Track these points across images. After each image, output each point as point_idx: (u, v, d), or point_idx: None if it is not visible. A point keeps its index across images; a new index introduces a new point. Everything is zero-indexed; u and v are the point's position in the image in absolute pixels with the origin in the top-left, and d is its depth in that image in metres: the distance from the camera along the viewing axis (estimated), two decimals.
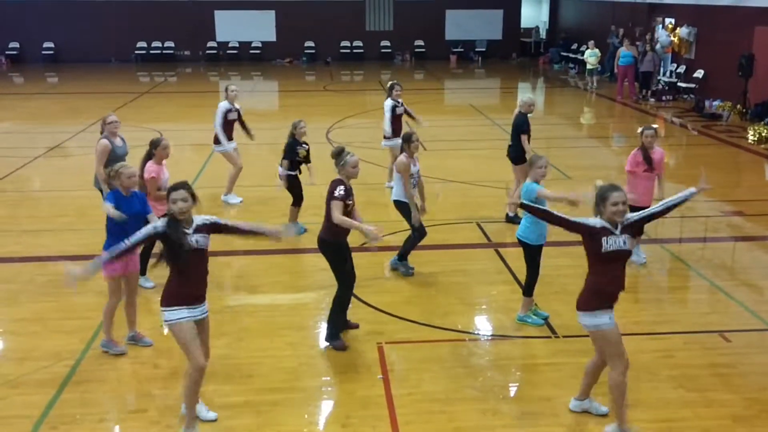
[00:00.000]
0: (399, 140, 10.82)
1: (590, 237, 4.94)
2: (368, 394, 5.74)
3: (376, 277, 8.02)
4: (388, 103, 10.97)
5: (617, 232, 4.94)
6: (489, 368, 6.18)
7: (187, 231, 4.94)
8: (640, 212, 5.17)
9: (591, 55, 22.58)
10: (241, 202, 10.64)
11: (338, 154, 6.35)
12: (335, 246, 6.36)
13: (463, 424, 5.34)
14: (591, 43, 23.19)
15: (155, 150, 7.51)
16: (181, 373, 5.91)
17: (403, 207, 7.81)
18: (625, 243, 4.94)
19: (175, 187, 4.95)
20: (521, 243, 6.71)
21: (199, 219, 5.04)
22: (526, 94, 10.24)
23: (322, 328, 6.84)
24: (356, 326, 6.74)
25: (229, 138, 10.58)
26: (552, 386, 5.75)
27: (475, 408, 5.54)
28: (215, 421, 5.35)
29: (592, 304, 4.99)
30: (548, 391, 5.70)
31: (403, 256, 8.00)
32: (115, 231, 6.00)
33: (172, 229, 4.88)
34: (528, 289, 6.83)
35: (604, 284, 4.98)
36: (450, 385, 5.84)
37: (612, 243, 4.90)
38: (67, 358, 6.26)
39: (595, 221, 4.98)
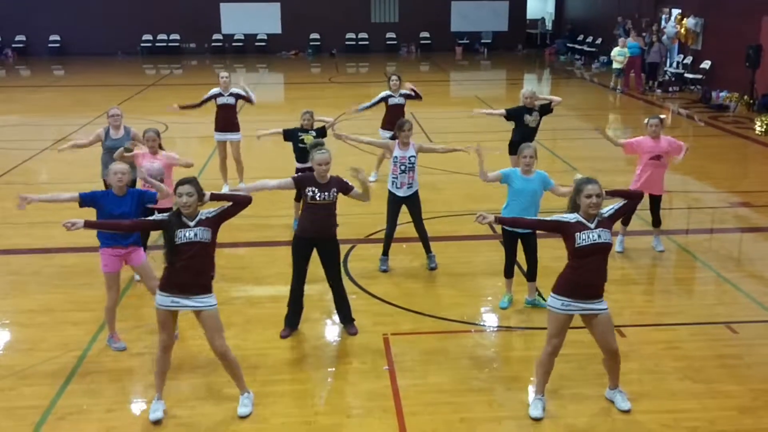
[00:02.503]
0: (387, 132, 10.81)
1: (564, 232, 5.04)
2: (374, 385, 5.75)
3: (388, 269, 8.01)
4: (383, 93, 11.03)
5: (592, 226, 4.99)
6: (495, 360, 6.19)
7: (189, 224, 5.06)
8: (613, 206, 5.19)
9: (619, 54, 20.36)
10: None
11: (312, 147, 6.32)
12: (294, 240, 6.46)
13: (469, 415, 5.35)
14: (621, 40, 20.89)
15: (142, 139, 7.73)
16: (187, 364, 5.95)
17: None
18: (599, 237, 4.98)
19: (182, 182, 5.11)
20: None
21: (204, 213, 5.13)
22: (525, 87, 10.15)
23: (327, 320, 6.87)
24: (354, 333, 6.57)
25: (218, 128, 10.56)
26: (558, 378, 5.73)
27: (481, 399, 5.55)
28: (247, 416, 5.33)
29: (559, 289, 5.11)
30: (554, 383, 5.68)
31: (384, 252, 7.93)
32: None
33: (171, 222, 5.07)
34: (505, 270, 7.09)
35: (578, 276, 5.05)
36: (456, 377, 5.85)
37: (585, 237, 4.96)
38: (75, 349, 6.30)
39: (570, 216, 5.06)
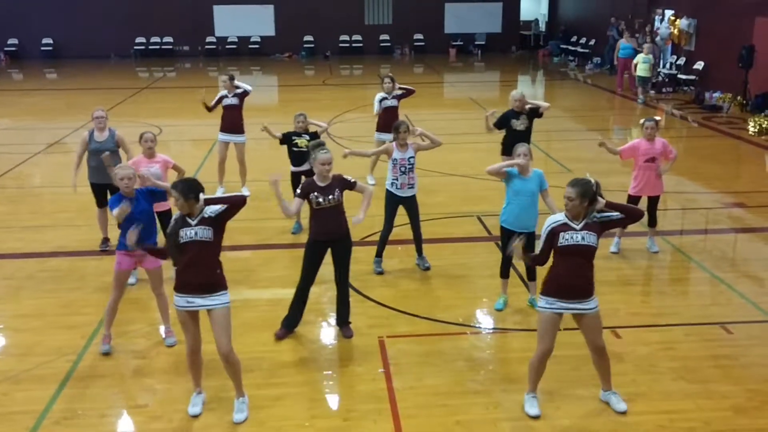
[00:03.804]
0: (382, 135, 10.87)
1: (551, 231, 5.11)
2: (370, 387, 5.75)
3: (384, 271, 8.00)
4: (378, 96, 11.11)
5: (577, 227, 5.06)
6: (490, 361, 6.19)
7: (191, 223, 5.12)
8: (610, 214, 5.18)
9: (644, 61, 18.55)
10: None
11: (313, 149, 6.29)
12: (307, 243, 6.44)
13: (464, 417, 5.35)
14: (646, 46, 19.11)
15: (140, 143, 7.73)
16: (182, 368, 5.92)
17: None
18: (583, 239, 5.03)
19: (172, 186, 5.23)
20: None
21: (208, 211, 5.16)
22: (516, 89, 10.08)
23: (323, 323, 6.86)
24: (350, 336, 6.57)
25: (222, 129, 10.65)
26: (554, 379, 5.74)
27: (476, 401, 5.55)
28: (243, 422, 5.32)
29: (545, 289, 5.19)
30: (550, 384, 5.69)
31: (378, 254, 8.03)
32: (124, 229, 6.03)
33: (177, 221, 5.13)
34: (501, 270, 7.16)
35: (559, 276, 5.13)
36: (451, 379, 5.84)
37: (568, 238, 5.04)
38: (69, 353, 6.27)
39: (558, 216, 5.17)
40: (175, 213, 5.25)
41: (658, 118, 8.47)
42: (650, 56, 18.85)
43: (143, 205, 6.11)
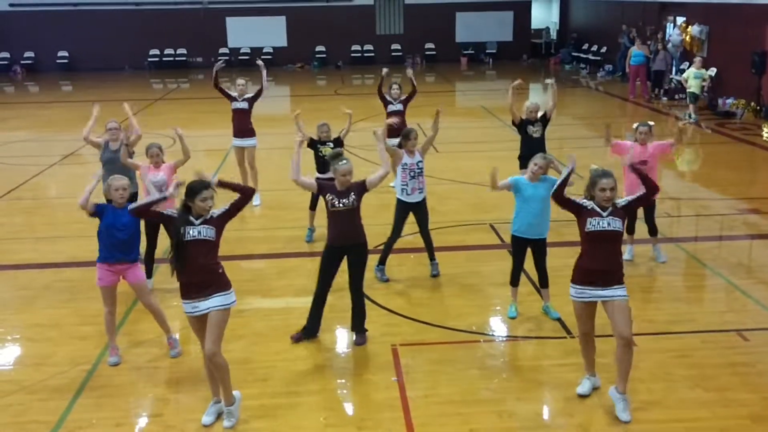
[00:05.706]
0: (390, 140, 10.91)
1: (578, 215, 5.32)
2: (383, 396, 5.73)
3: (389, 278, 8.00)
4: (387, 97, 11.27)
5: (604, 214, 5.24)
6: (504, 370, 6.16)
7: (194, 222, 5.15)
8: (627, 197, 5.51)
9: (696, 76, 16.60)
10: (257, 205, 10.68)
11: (332, 159, 6.36)
12: (326, 249, 6.49)
13: (478, 426, 5.32)
14: (697, 60, 17.13)
15: (147, 156, 7.89)
16: (191, 378, 5.94)
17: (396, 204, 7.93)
18: (609, 224, 5.21)
19: (206, 186, 5.19)
20: None
21: (211, 212, 5.22)
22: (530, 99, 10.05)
23: (336, 332, 6.86)
24: (361, 343, 6.57)
25: (234, 133, 10.78)
26: (568, 387, 5.71)
27: (490, 410, 5.52)
28: (232, 427, 5.34)
29: (574, 278, 5.36)
30: (564, 392, 5.67)
31: (381, 261, 8.06)
32: (105, 241, 6.07)
33: (180, 218, 5.15)
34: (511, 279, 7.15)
35: (586, 262, 5.30)
36: (465, 387, 5.82)
37: (596, 224, 5.21)
38: (83, 363, 6.30)
39: (587, 202, 5.35)
40: (176, 209, 5.26)
41: (651, 123, 8.42)
42: (703, 71, 16.98)
43: (128, 218, 5.95)
